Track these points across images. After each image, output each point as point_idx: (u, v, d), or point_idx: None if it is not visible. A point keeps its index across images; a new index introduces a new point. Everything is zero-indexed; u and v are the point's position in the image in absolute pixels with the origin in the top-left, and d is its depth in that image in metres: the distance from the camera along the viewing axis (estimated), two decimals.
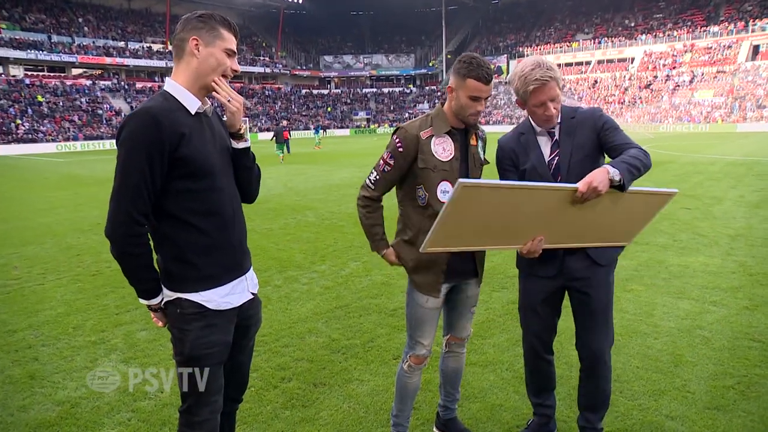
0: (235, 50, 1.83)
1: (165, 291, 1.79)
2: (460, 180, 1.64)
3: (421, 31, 76.67)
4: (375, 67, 74.20)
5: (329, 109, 65.01)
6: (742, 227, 7.31)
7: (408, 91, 72.62)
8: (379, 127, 61.87)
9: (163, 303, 1.80)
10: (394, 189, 2.46)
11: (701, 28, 53.02)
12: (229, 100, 1.81)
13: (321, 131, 36.68)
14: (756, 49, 48.70)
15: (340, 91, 70.70)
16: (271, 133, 26.45)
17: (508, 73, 65.66)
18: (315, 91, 69.75)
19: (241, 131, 1.90)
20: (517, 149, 2.36)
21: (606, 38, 58.80)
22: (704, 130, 40.67)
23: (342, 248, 6.62)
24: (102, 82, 51.57)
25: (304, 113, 63.05)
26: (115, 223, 1.67)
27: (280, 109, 61.33)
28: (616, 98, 50.66)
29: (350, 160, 21.24)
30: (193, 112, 1.78)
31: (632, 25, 59.33)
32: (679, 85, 49.25)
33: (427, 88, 72.38)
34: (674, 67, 51.67)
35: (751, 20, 49.87)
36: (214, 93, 1.80)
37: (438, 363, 2.76)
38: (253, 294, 1.97)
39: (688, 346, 3.64)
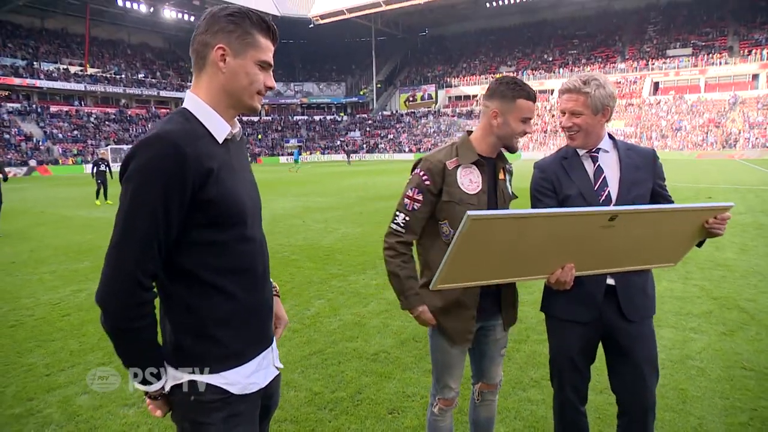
0: (272, 62, 1.42)
1: (171, 371, 1.34)
2: (468, 212, 1.45)
3: (351, 60, 77.73)
4: (306, 95, 74.05)
5: (259, 136, 63.81)
6: None
7: (339, 119, 72.92)
8: (311, 154, 61.33)
9: (166, 388, 1.35)
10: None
11: (611, 64, 57.60)
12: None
13: (300, 156, 37.07)
14: (656, 85, 53.63)
15: (270, 118, 69.73)
16: None
17: (437, 101, 67.81)
18: (245, 118, 68.30)
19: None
20: (559, 173, 2.15)
21: (527, 71, 62.30)
22: None
23: (301, 284, 6.13)
24: (9, 105, 47.55)
25: None
26: (113, 287, 1.22)
27: None
28: (539, 127, 53.43)
29: (287, 189, 20.62)
30: (221, 141, 1.37)
31: (550, 59, 63.36)
32: None
33: (358, 116, 73.05)
34: None
35: (650, 60, 54.96)
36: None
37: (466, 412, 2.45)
38: (277, 369, 1.55)
39: (687, 378, 3.54)
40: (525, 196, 2.33)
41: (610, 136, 2.16)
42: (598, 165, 2.12)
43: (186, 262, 1.31)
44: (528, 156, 43.53)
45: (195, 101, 1.37)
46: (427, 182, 2.06)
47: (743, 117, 44.49)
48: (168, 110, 60.25)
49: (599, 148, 2.13)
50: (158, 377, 1.33)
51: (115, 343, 1.28)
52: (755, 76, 48.44)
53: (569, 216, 1.62)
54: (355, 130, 69.09)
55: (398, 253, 2.09)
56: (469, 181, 2.08)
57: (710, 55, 51.54)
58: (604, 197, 2.09)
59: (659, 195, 2.16)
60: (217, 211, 1.30)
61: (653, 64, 54.30)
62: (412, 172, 2.14)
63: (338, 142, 65.86)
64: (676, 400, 3.25)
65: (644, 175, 2.12)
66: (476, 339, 2.25)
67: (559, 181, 2.15)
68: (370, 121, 70.25)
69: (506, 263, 1.72)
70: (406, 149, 59.81)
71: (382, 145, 62.86)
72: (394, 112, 71.26)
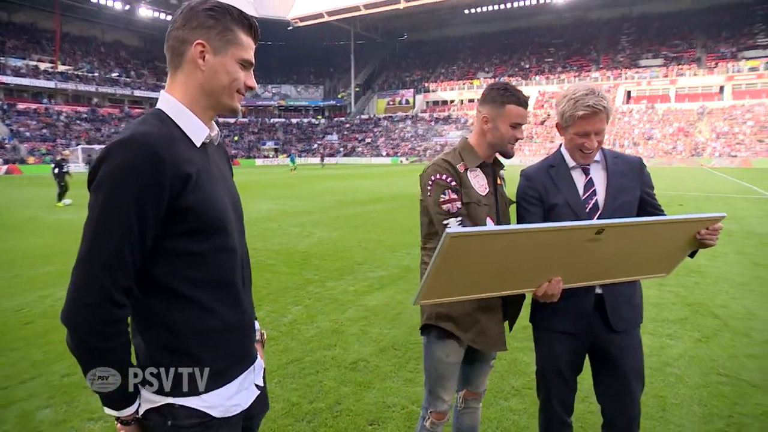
0: (253, 60, 1.33)
1: (145, 394, 1.24)
2: (447, 230, 1.41)
3: (329, 63, 77.61)
4: (283, 97, 73.63)
5: (236, 138, 63.06)
6: None
7: (316, 122, 72.63)
8: (287, 156, 60.98)
9: (140, 412, 1.24)
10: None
11: (585, 72, 58.74)
12: None
13: (295, 158, 42.85)
14: (629, 94, 54.89)
15: (247, 120, 69.01)
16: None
17: (414, 106, 68.05)
18: (220, 120, 67.54)
19: None
20: (546, 183, 2.11)
21: (504, 77, 63.06)
22: None
23: (277, 290, 5.99)
24: None
25: None
26: (81, 303, 1.11)
27: None
28: None
29: (264, 192, 20.36)
30: (198, 144, 1.27)
31: (527, 66, 64.34)
32: None
33: (335, 119, 72.88)
34: None
35: (623, 69, 56.28)
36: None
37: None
38: (259, 387, 1.45)
39: (666, 386, 3.54)
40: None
41: None
42: (590, 178, 2.09)
43: (161, 274, 1.21)
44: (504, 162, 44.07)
45: (170, 102, 1.27)
46: (453, 182, 2.02)
47: (710, 127, 45.84)
48: (142, 110, 59.11)
49: None
50: (131, 400, 1.22)
51: (84, 365, 1.17)
52: (721, 88, 50.00)
53: (554, 231, 1.58)
54: (332, 134, 68.90)
55: None
56: (478, 183, 2.08)
57: (680, 66, 53.09)
58: (590, 206, 2.06)
59: (648, 203, 2.13)
60: (196, 219, 1.21)
61: (626, 73, 55.60)
62: (426, 184, 2.06)
63: (315, 145, 65.54)
64: (656, 408, 3.24)
65: (630, 182, 2.10)
66: (469, 349, 2.19)
67: (546, 190, 2.11)
68: (347, 125, 70.16)
69: (491, 278, 1.67)
70: (384, 153, 59.86)
71: (360, 149, 62.80)
72: (372, 116, 71.34)
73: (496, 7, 63.39)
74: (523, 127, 2.10)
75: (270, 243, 8.97)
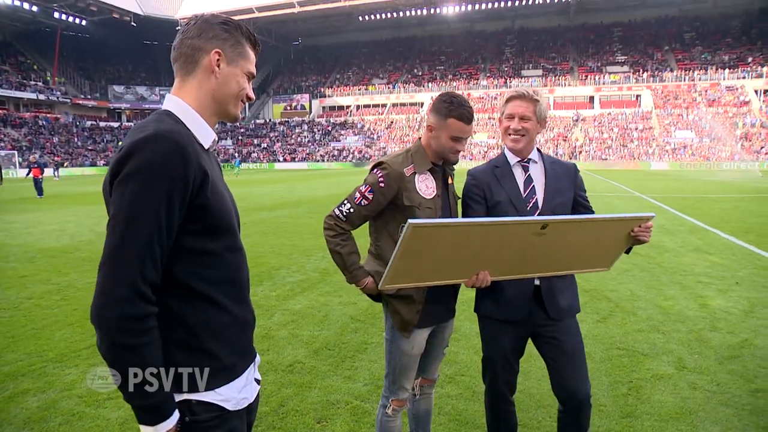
0: (255, 73, 1.44)
1: None
2: (410, 220, 1.58)
3: None
4: None
5: (120, 143, 58.50)
6: None
7: None
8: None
9: None
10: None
11: (474, 80, 62.37)
12: None
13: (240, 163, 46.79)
14: None
15: (133, 124, 64.25)
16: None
17: (311, 110, 67.82)
18: (103, 124, 62.43)
19: None
20: (491, 182, 2.30)
21: (399, 84, 65.01)
22: None
23: None
24: None
25: (89, 147, 55.61)
26: (112, 297, 1.10)
27: (60, 142, 53.07)
28: (410, 138, 55.98)
29: None
30: (207, 147, 1.33)
31: (420, 74, 66.88)
32: None
33: (229, 124, 70.32)
34: None
35: (508, 78, 60.66)
36: None
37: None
38: (257, 381, 1.50)
39: None
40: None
41: (538, 149, 2.36)
42: (529, 174, 2.30)
43: (178, 273, 1.22)
44: None
45: (180, 105, 1.31)
46: (382, 185, 2.11)
47: (584, 133, 50.87)
48: (6, 111, 52.73)
49: (529, 159, 2.31)
50: (170, 411, 1.21)
51: (116, 367, 1.14)
52: (591, 98, 55.79)
53: (503, 225, 1.75)
54: (227, 139, 66.48)
55: (337, 233, 2.16)
56: (426, 186, 2.17)
57: (556, 77, 58.29)
58: (531, 204, 2.25)
59: (580, 204, 2.37)
60: (210, 217, 1.24)
61: (511, 82, 59.88)
62: (371, 170, 2.19)
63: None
64: None
65: (566, 185, 2.32)
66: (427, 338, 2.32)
67: (490, 188, 2.29)
68: (242, 130, 68.11)
69: (444, 267, 1.82)
70: (281, 158, 58.92)
71: (255, 154, 61.24)
72: (268, 120, 69.93)
73: (388, 15, 65.17)
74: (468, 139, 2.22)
75: None
